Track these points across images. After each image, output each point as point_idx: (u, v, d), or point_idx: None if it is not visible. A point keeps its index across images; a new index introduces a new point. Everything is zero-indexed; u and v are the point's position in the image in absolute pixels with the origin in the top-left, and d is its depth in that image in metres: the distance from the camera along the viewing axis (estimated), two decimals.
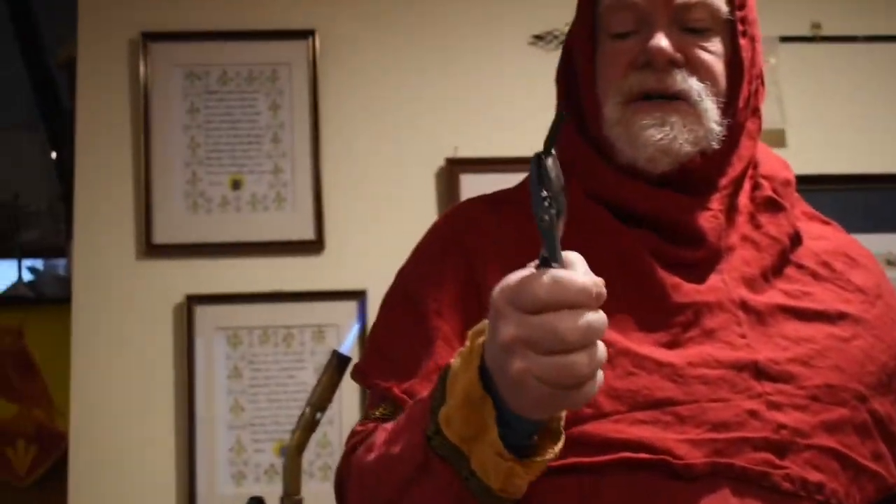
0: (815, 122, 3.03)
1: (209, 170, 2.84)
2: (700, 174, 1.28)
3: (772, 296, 1.26)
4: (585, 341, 0.90)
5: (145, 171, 2.80)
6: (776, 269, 1.29)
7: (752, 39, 1.32)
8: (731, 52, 1.30)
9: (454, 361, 1.03)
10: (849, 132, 3.05)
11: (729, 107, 1.29)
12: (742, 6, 1.31)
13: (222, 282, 2.78)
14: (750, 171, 1.35)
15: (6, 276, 4.55)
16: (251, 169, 2.85)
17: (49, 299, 4.02)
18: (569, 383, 0.90)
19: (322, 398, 1.61)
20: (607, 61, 1.30)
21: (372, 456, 1.17)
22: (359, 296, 2.78)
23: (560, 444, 1.02)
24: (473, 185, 2.74)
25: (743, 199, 1.32)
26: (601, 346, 0.92)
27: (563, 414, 1.03)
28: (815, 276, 1.30)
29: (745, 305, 1.23)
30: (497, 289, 0.94)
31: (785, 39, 3.03)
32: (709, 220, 1.27)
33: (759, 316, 1.23)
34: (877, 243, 2.54)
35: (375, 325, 1.38)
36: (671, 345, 1.20)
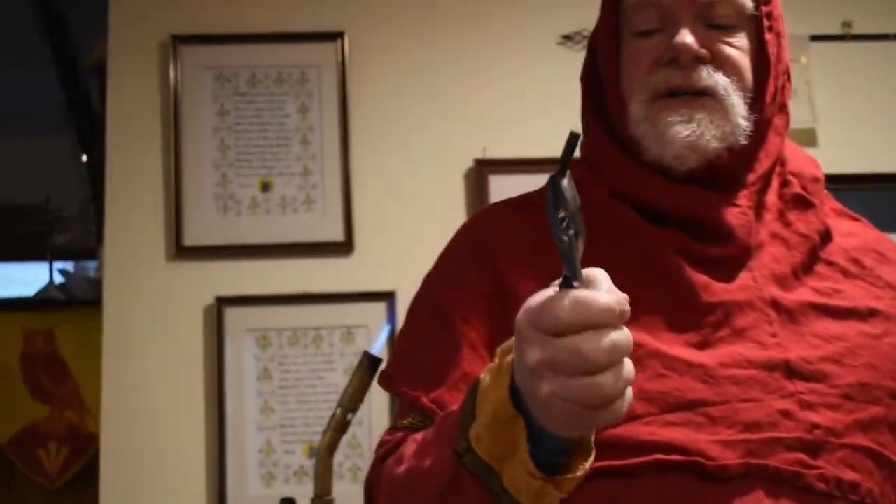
0: (846, 121, 3.01)
1: (239, 172, 2.85)
2: (727, 170, 1.28)
3: (802, 293, 1.25)
4: (611, 361, 0.89)
5: (175, 173, 2.82)
6: (806, 267, 1.28)
7: (778, 35, 1.32)
8: (757, 48, 1.29)
9: (483, 377, 1.03)
10: (880, 131, 3.03)
11: (755, 102, 1.28)
12: (767, 2, 1.30)
13: (252, 284, 2.79)
14: (778, 169, 1.34)
15: (38, 279, 4.58)
16: (280, 171, 2.86)
17: (80, 301, 4.04)
18: (596, 404, 0.90)
19: (353, 399, 1.61)
20: (632, 59, 1.30)
21: (402, 468, 1.17)
22: (388, 297, 2.78)
23: (591, 461, 1.01)
24: (502, 186, 2.74)
25: (771, 197, 1.32)
26: (628, 363, 0.91)
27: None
28: (846, 273, 1.30)
29: (775, 304, 1.22)
30: (521, 311, 0.94)
31: (816, 38, 3.02)
32: (737, 216, 1.26)
33: (789, 314, 1.22)
34: None
35: (402, 331, 1.38)
36: (702, 345, 1.19)
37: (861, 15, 3.06)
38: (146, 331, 2.76)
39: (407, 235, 2.83)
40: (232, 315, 2.76)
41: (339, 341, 2.78)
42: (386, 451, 1.26)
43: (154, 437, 2.71)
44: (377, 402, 2.69)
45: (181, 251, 2.79)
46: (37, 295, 4.23)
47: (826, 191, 1.39)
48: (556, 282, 0.93)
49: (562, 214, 0.87)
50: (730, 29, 1.28)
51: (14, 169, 5.07)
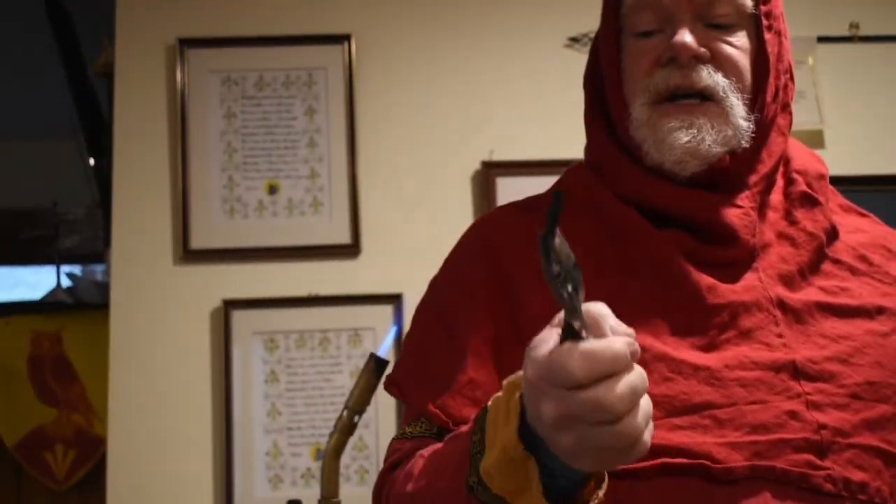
0: (854, 123, 3.00)
1: (246, 175, 2.86)
2: (729, 173, 1.28)
3: (809, 293, 1.25)
4: (631, 406, 0.90)
5: (182, 176, 2.82)
6: (813, 266, 1.28)
7: (779, 34, 1.31)
8: (757, 47, 1.29)
9: (491, 407, 1.04)
10: (887, 132, 3.02)
11: (755, 102, 1.28)
12: (767, 1, 1.30)
13: (259, 286, 2.80)
14: (782, 167, 1.34)
15: (45, 282, 4.59)
16: (287, 174, 2.86)
17: (87, 305, 4.04)
18: (622, 447, 0.91)
19: (360, 401, 1.61)
20: (632, 61, 1.30)
21: (410, 487, 1.18)
22: (395, 299, 2.78)
23: (604, 489, 1.02)
24: (509, 189, 2.75)
25: (776, 196, 1.32)
26: (646, 398, 0.92)
27: None
28: (853, 270, 1.29)
29: (782, 304, 1.22)
30: (528, 364, 0.94)
31: (823, 40, 3.01)
32: (740, 217, 1.26)
33: (796, 314, 1.22)
34: None
35: (409, 335, 1.38)
36: (708, 347, 1.19)
37: (868, 16, 3.06)
38: (153, 334, 2.77)
39: (413, 238, 2.83)
40: (239, 318, 2.76)
41: (346, 344, 2.78)
42: (395, 461, 1.27)
43: (161, 439, 2.71)
44: (384, 405, 2.69)
45: (188, 254, 2.80)
46: (44, 298, 4.24)
47: (832, 186, 1.39)
48: (558, 320, 0.94)
49: (557, 270, 0.87)
50: (729, 28, 1.28)
51: (21, 172, 5.08)
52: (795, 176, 1.34)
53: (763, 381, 1.16)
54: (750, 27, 1.29)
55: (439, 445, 1.18)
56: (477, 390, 1.23)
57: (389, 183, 2.89)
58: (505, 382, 1.03)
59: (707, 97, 1.25)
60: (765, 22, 1.29)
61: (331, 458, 1.65)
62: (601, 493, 1.02)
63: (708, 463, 1.11)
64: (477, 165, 2.89)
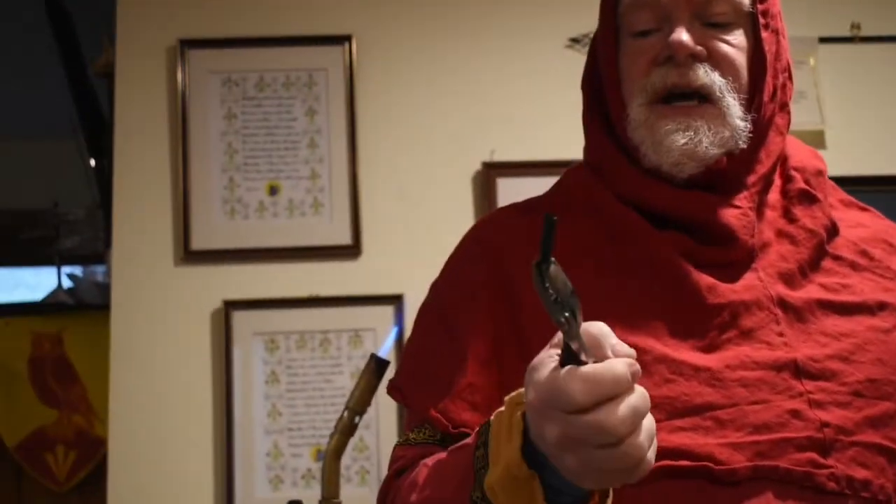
0: (855, 124, 3.00)
1: (246, 176, 2.86)
2: (727, 174, 1.28)
3: (809, 291, 1.25)
4: (633, 427, 0.91)
5: (183, 177, 2.82)
6: (813, 263, 1.28)
7: (776, 32, 1.31)
8: (754, 46, 1.29)
9: (493, 421, 1.05)
10: (889, 133, 3.02)
11: (753, 101, 1.28)
12: None
13: (259, 287, 2.80)
14: (780, 165, 1.34)
15: (46, 284, 4.59)
16: (288, 175, 2.86)
17: (88, 306, 4.04)
18: (625, 468, 0.92)
19: (360, 402, 1.61)
20: (629, 60, 1.30)
21: (415, 497, 1.18)
22: (395, 300, 2.78)
23: (610, 500, 1.03)
24: (510, 189, 2.75)
25: (774, 195, 1.31)
26: (649, 417, 0.93)
27: None
28: (854, 266, 1.29)
29: (782, 302, 1.22)
30: (529, 386, 0.95)
31: (824, 40, 3.01)
32: (738, 217, 1.26)
33: (797, 312, 1.22)
34: None
35: (410, 339, 1.38)
36: (708, 348, 1.19)
37: (870, 16, 3.06)
38: (154, 335, 2.77)
39: (414, 239, 2.83)
40: (239, 319, 2.77)
41: (346, 345, 2.78)
42: (399, 468, 1.27)
43: (162, 440, 2.71)
44: (384, 406, 2.69)
45: (189, 255, 2.80)
46: (45, 299, 4.23)
47: (831, 181, 1.39)
48: (557, 339, 0.94)
49: (554, 297, 0.87)
50: (727, 27, 1.28)
51: (22, 173, 5.08)
52: (793, 173, 1.34)
53: (764, 381, 1.16)
54: (747, 26, 1.29)
55: (443, 455, 1.18)
56: (477, 394, 1.23)
57: (390, 183, 2.89)
58: (507, 399, 1.03)
59: (704, 96, 1.25)
60: (762, 20, 1.29)
61: (331, 459, 1.65)
62: (608, 502, 1.03)
63: (710, 464, 1.11)
64: (478, 166, 2.89)
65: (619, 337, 1.16)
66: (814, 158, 1.38)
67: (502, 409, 1.04)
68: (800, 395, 1.16)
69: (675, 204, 1.27)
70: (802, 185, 1.33)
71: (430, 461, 1.20)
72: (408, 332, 1.41)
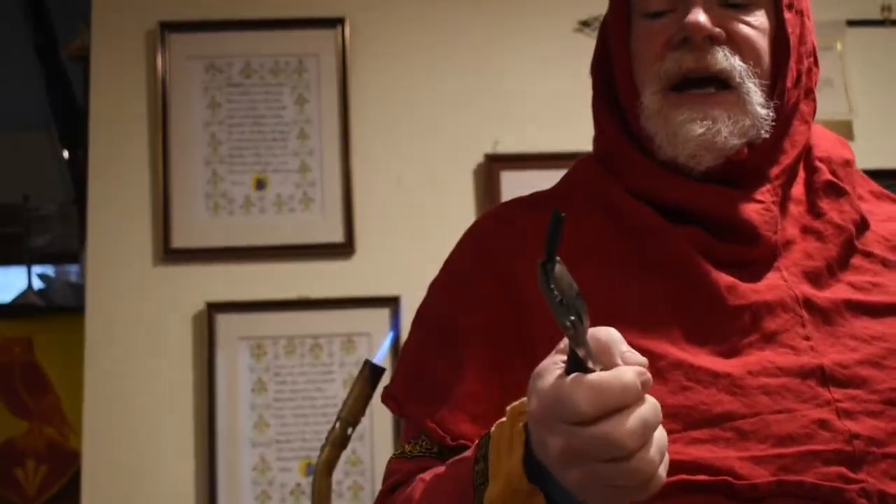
0: (886, 113, 3.00)
1: (231, 169, 2.86)
2: (748, 166, 1.27)
3: (837, 290, 1.24)
4: (644, 440, 0.90)
5: (163, 170, 2.82)
6: (842, 261, 1.27)
7: (801, 13, 1.31)
8: (777, 28, 1.29)
9: (494, 434, 1.05)
10: None
11: (775, 88, 1.28)
12: None
13: (245, 288, 2.80)
14: (804, 157, 1.34)
15: (15, 284, 4.59)
16: (276, 168, 2.86)
17: (61, 308, 4.04)
18: (634, 485, 0.92)
19: (353, 412, 1.61)
20: (642, 43, 1.30)
21: None
22: (391, 302, 2.78)
23: None
24: (515, 183, 2.75)
25: (799, 188, 1.31)
26: (659, 430, 0.92)
27: None
28: (886, 263, 1.29)
29: (808, 303, 1.21)
30: (532, 395, 0.95)
31: (852, 23, 3.01)
32: (760, 213, 1.25)
33: (824, 314, 1.21)
34: None
35: (406, 344, 1.38)
36: (728, 353, 1.18)
37: None
38: (132, 339, 2.77)
39: (412, 236, 2.83)
40: (224, 322, 2.77)
41: (339, 350, 2.78)
42: (394, 482, 1.27)
43: (140, 454, 2.71)
44: (379, 416, 2.69)
45: (169, 254, 2.80)
46: (14, 301, 4.23)
47: (860, 171, 1.38)
48: (563, 345, 0.94)
49: (559, 298, 0.87)
50: (747, 7, 1.27)
51: None
52: (818, 164, 1.33)
53: (789, 389, 1.15)
54: (769, 6, 1.29)
55: (441, 469, 1.18)
56: (477, 404, 1.23)
57: (386, 177, 2.89)
58: (508, 409, 1.03)
59: (722, 82, 1.25)
60: (785, 0, 1.29)
61: (322, 474, 1.65)
62: None
63: (731, 479, 1.10)
64: (480, 158, 2.89)
65: (632, 341, 1.15)
66: (840, 147, 1.38)
67: (503, 420, 1.04)
68: (827, 403, 1.15)
69: (692, 198, 1.27)
70: (829, 176, 1.32)
71: (426, 476, 1.20)
72: (405, 337, 1.41)
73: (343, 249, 2.83)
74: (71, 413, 3.69)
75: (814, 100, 1.34)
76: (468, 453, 1.11)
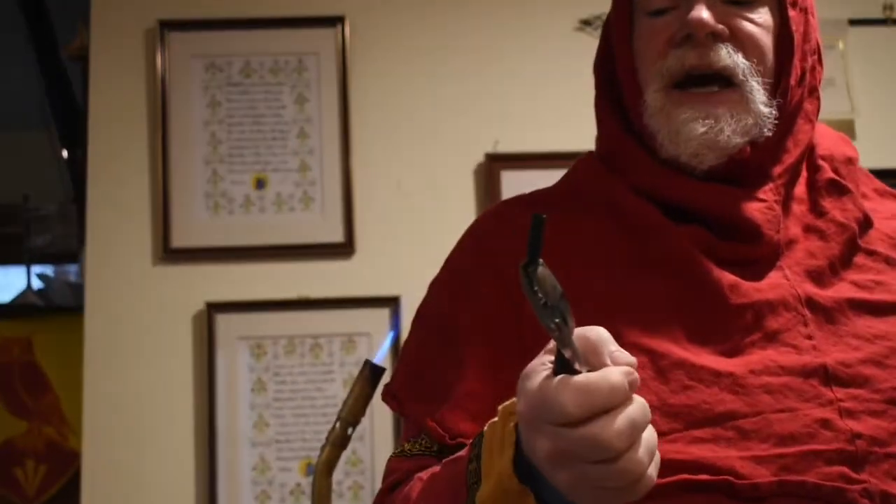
0: (888, 112, 3.00)
1: (231, 168, 2.86)
2: (751, 165, 1.27)
3: (840, 289, 1.24)
4: (632, 440, 0.90)
5: (163, 170, 2.82)
6: (845, 259, 1.27)
7: (805, 11, 1.31)
8: (781, 25, 1.28)
9: (486, 433, 1.05)
10: None
11: (778, 86, 1.28)
12: None
13: (245, 288, 2.79)
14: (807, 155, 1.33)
15: (14, 284, 4.59)
16: (276, 167, 2.86)
17: (60, 308, 4.04)
18: (623, 485, 0.92)
19: (353, 412, 1.61)
20: (645, 41, 1.29)
21: None
22: (392, 302, 2.78)
23: None
24: (515, 183, 2.74)
25: (801, 187, 1.31)
26: (649, 430, 0.92)
27: None
28: (889, 261, 1.28)
29: (811, 302, 1.21)
30: (520, 396, 0.95)
31: (854, 22, 3.01)
32: (763, 212, 1.25)
33: (826, 313, 1.21)
34: None
35: (407, 342, 1.38)
36: (730, 352, 1.18)
37: None
38: (131, 339, 2.76)
39: (412, 236, 2.83)
40: (223, 322, 2.76)
41: (339, 350, 2.78)
42: (394, 481, 1.27)
43: (139, 454, 2.71)
44: (379, 416, 2.69)
45: (169, 254, 2.80)
46: (13, 301, 4.23)
47: (863, 169, 1.38)
48: (552, 345, 0.94)
49: (543, 300, 0.87)
50: (750, 4, 1.27)
51: None
52: (821, 163, 1.33)
53: (791, 388, 1.15)
54: (773, 3, 1.28)
55: (437, 469, 1.18)
56: (476, 402, 1.23)
57: (386, 177, 2.88)
58: (500, 408, 1.03)
59: (725, 79, 1.25)
60: None
61: (322, 474, 1.65)
62: None
63: (732, 479, 1.10)
64: (480, 158, 2.89)
65: (634, 340, 1.16)
66: (842, 145, 1.37)
67: (495, 419, 1.04)
68: (829, 403, 1.15)
69: (695, 196, 1.26)
70: (831, 175, 1.32)
71: (424, 475, 1.20)
72: (404, 337, 1.41)
73: (343, 249, 2.83)
74: (70, 413, 3.70)
75: (818, 98, 1.34)
76: (462, 453, 1.12)
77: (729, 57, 1.24)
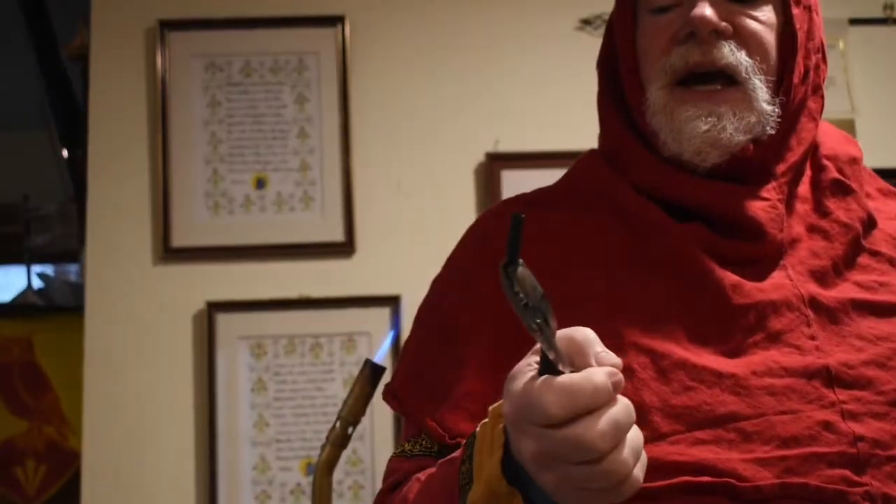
0: (888, 112, 3.00)
1: (231, 168, 2.85)
2: (754, 163, 1.27)
3: (844, 290, 1.24)
4: (616, 441, 0.90)
5: (163, 169, 2.82)
6: (848, 260, 1.27)
7: (809, 9, 1.30)
8: (784, 23, 1.28)
9: (478, 434, 1.05)
10: None
11: (781, 84, 1.27)
12: None
13: (245, 288, 2.79)
14: (810, 155, 1.33)
15: (14, 284, 4.58)
16: (276, 166, 2.86)
17: (60, 308, 4.04)
18: (607, 486, 0.91)
19: (353, 412, 1.61)
20: (648, 38, 1.29)
21: None
22: (392, 302, 2.78)
23: None
24: (516, 183, 2.74)
25: (805, 186, 1.31)
26: (634, 430, 0.92)
27: None
28: (893, 262, 1.28)
29: (814, 303, 1.21)
30: (505, 400, 0.95)
31: (855, 21, 3.01)
32: (766, 210, 1.25)
33: (830, 314, 1.21)
34: None
35: (408, 341, 1.38)
36: (732, 353, 1.17)
37: None
38: (131, 339, 2.76)
39: (412, 235, 2.82)
40: (224, 322, 2.76)
41: (339, 350, 2.78)
42: (394, 482, 1.27)
43: (140, 453, 2.71)
44: (380, 415, 2.69)
45: (169, 253, 2.79)
46: (13, 300, 4.23)
47: (867, 169, 1.37)
48: (538, 347, 0.94)
49: (524, 301, 0.87)
50: (754, 2, 1.27)
51: None
52: (825, 162, 1.33)
53: (794, 389, 1.14)
54: (776, 1, 1.28)
55: (433, 470, 1.18)
56: (476, 402, 1.23)
57: (386, 176, 2.88)
58: (490, 409, 1.03)
59: (728, 77, 1.24)
60: None
61: (322, 473, 1.64)
62: None
63: (734, 481, 1.09)
64: (481, 157, 2.89)
65: (635, 340, 1.15)
66: (847, 144, 1.37)
67: (486, 420, 1.04)
68: (832, 405, 1.14)
69: (698, 195, 1.26)
70: (835, 174, 1.32)
71: (422, 475, 1.20)
72: (405, 336, 1.40)
73: (343, 248, 2.83)
74: (70, 412, 3.69)
75: (822, 96, 1.34)
76: (457, 454, 1.12)
77: (732, 55, 1.24)
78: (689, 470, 1.10)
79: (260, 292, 2.79)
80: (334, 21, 2.92)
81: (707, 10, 1.23)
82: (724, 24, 1.24)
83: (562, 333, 0.93)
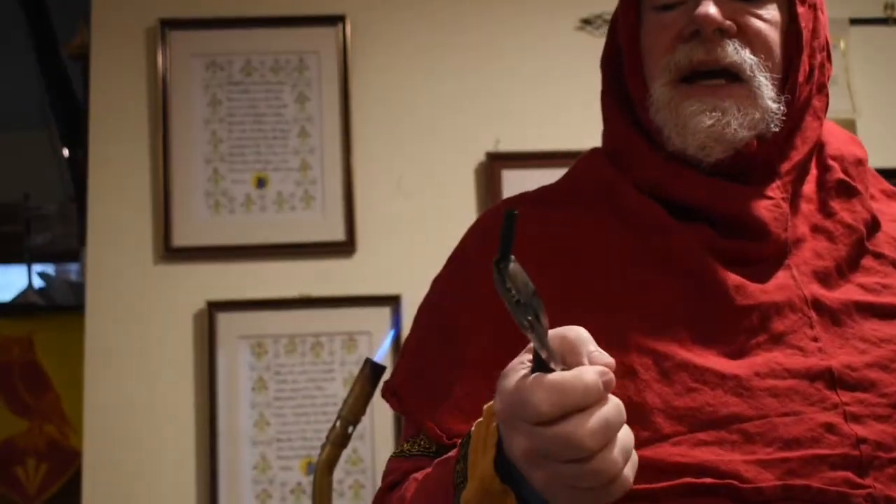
0: (889, 112, 3.00)
1: (232, 167, 2.85)
2: (758, 160, 1.26)
3: (847, 291, 1.23)
4: (605, 441, 0.90)
5: (163, 168, 2.82)
6: (852, 261, 1.26)
7: (814, 7, 1.30)
8: (789, 22, 1.28)
9: (473, 433, 1.05)
10: None
11: (786, 82, 1.27)
12: None
13: (246, 287, 2.79)
14: (815, 155, 1.32)
15: (15, 283, 4.59)
16: (277, 166, 2.86)
17: (61, 307, 4.04)
18: (597, 485, 0.92)
19: (354, 411, 1.60)
20: (652, 36, 1.29)
21: None
22: (392, 301, 2.78)
23: None
24: (516, 182, 2.73)
25: (810, 186, 1.30)
26: (625, 430, 0.93)
27: None
28: None
29: (817, 304, 1.20)
30: (497, 397, 0.95)
31: (856, 21, 3.01)
32: (770, 209, 1.24)
33: (833, 316, 1.20)
34: None
35: (408, 340, 1.38)
36: (735, 354, 1.17)
37: None
38: (132, 338, 2.76)
39: (413, 235, 2.82)
40: (224, 321, 2.76)
41: (339, 349, 2.77)
42: (392, 481, 1.27)
43: (140, 452, 2.71)
44: (380, 415, 2.69)
45: (170, 252, 2.79)
46: (14, 300, 4.24)
47: (872, 170, 1.37)
48: (531, 345, 0.93)
49: (516, 297, 0.87)
50: (758, 0, 1.26)
51: None
52: (831, 163, 1.32)
53: (797, 391, 1.14)
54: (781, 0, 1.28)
55: (430, 469, 1.18)
56: (474, 403, 1.22)
57: (387, 176, 2.88)
58: (485, 408, 1.04)
59: (733, 75, 1.24)
60: None
61: (323, 473, 1.64)
62: None
63: (736, 483, 1.09)
64: (481, 157, 2.88)
65: (638, 340, 1.15)
66: (853, 145, 1.37)
67: (481, 419, 1.04)
68: (835, 406, 1.14)
69: (700, 192, 1.26)
70: (841, 175, 1.31)
71: (419, 475, 1.20)
72: (405, 336, 1.40)
73: (344, 248, 2.82)
74: (71, 412, 3.70)
75: (826, 95, 1.33)
76: (452, 453, 1.12)
77: (736, 53, 1.24)
78: (691, 471, 1.10)
79: (260, 291, 2.79)
80: (335, 20, 2.92)
81: (711, 9, 1.23)
82: (728, 22, 1.24)
83: (555, 332, 0.93)
